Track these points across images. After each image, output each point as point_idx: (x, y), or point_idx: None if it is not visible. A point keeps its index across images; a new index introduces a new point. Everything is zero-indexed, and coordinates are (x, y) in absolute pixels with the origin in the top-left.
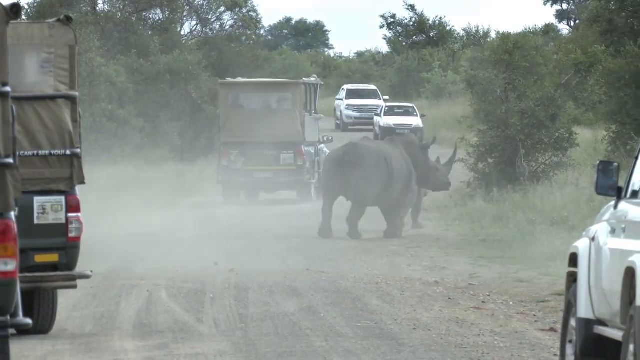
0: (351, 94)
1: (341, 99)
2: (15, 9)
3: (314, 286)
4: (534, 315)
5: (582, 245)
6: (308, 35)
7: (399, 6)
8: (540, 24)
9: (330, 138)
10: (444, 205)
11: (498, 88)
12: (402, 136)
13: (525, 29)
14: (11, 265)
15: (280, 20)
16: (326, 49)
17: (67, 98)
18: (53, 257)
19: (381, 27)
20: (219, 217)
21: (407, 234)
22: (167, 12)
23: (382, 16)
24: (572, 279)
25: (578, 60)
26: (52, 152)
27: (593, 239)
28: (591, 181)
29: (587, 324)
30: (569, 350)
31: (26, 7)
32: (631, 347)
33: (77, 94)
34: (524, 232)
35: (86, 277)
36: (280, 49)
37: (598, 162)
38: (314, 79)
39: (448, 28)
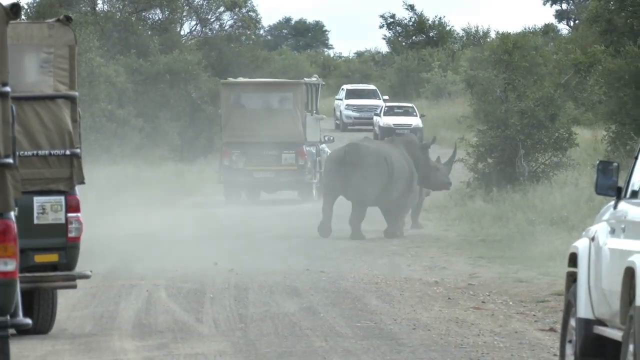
0: (351, 94)
1: (341, 99)
2: (15, 9)
3: (313, 286)
4: (534, 315)
5: (581, 245)
6: (307, 35)
7: (398, 6)
8: (539, 23)
9: (332, 138)
10: (444, 205)
11: (498, 88)
12: (402, 136)
13: (525, 28)
14: (11, 265)
15: (279, 20)
16: (326, 49)
17: (66, 98)
18: (53, 257)
19: (381, 27)
20: (219, 217)
21: (407, 234)
22: (167, 12)
23: (382, 16)
24: (572, 279)
25: (577, 60)
26: (52, 152)
27: (593, 239)
28: (591, 181)
29: (586, 324)
30: (569, 350)
31: (26, 7)
32: (631, 347)
33: (76, 94)
34: (523, 232)
35: (86, 277)
36: (280, 49)
37: (598, 162)
38: (315, 79)
39: (447, 28)
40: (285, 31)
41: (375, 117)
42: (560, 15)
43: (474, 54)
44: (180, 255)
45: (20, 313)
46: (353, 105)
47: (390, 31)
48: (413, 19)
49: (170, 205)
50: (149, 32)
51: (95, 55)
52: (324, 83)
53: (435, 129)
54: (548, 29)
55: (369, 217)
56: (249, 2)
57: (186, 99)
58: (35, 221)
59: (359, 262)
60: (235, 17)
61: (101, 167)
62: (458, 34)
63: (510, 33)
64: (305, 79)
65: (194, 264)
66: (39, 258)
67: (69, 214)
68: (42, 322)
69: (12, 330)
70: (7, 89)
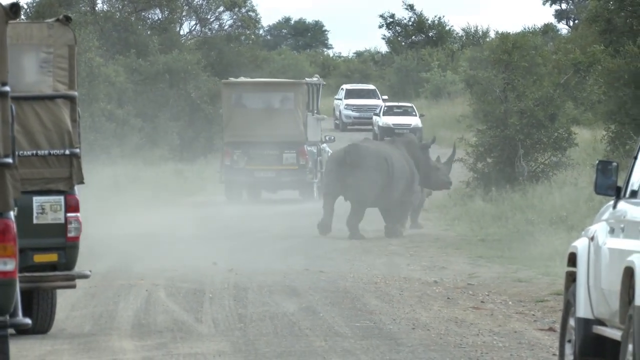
0: (350, 94)
1: (340, 99)
2: (15, 9)
3: (313, 286)
4: (533, 315)
5: (581, 245)
6: (307, 35)
7: (398, 6)
8: (539, 23)
9: (333, 138)
10: (443, 205)
11: (497, 88)
12: (403, 137)
13: (524, 28)
14: (10, 265)
15: (279, 20)
16: (325, 49)
17: (66, 98)
18: (52, 257)
19: (380, 26)
20: (218, 217)
21: (406, 233)
22: (166, 12)
23: (381, 16)
24: (571, 278)
25: (577, 60)
26: (51, 152)
27: (592, 238)
28: (590, 181)
29: (586, 324)
30: (568, 350)
31: (25, 6)
32: (630, 347)
33: (76, 93)
34: (523, 231)
35: (85, 276)
36: (279, 49)
37: (597, 162)
38: (316, 79)
39: (447, 28)
40: (285, 31)
41: (374, 117)
42: (559, 15)
43: (474, 54)
44: (179, 255)
45: (20, 313)
46: (352, 105)
47: (389, 31)
48: (412, 19)
49: (170, 205)
50: (149, 32)
51: (94, 55)
52: (324, 83)
53: (435, 128)
54: (547, 29)
55: (368, 217)
56: (249, 1)
57: (185, 99)
58: (35, 221)
59: (358, 262)
60: (234, 16)
61: (101, 167)
62: (457, 33)
63: (509, 33)
64: (307, 79)
65: (193, 264)
66: (38, 258)
67: (69, 214)
68: (41, 322)
69: (11, 330)
70: (7, 88)
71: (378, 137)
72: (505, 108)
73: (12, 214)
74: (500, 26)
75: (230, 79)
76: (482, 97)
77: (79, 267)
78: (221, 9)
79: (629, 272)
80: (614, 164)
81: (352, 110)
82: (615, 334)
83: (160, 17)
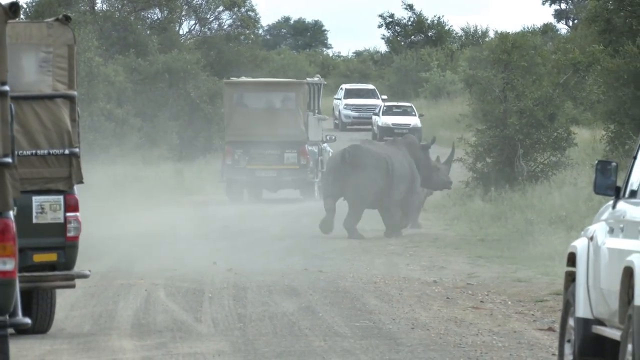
0: (349, 94)
1: (339, 99)
2: (14, 8)
3: (312, 286)
4: (533, 314)
5: (580, 245)
6: (306, 35)
7: (397, 6)
8: (538, 23)
9: (334, 137)
10: (443, 204)
11: (496, 88)
12: (404, 137)
13: (524, 28)
14: (10, 265)
15: (278, 20)
16: (325, 49)
17: (65, 97)
18: (51, 257)
19: (379, 26)
20: (218, 216)
21: (405, 233)
22: (166, 12)
23: (381, 16)
24: (571, 278)
25: (576, 60)
26: (51, 151)
27: (591, 238)
28: (589, 181)
29: (585, 324)
30: (568, 349)
31: (25, 6)
32: (629, 347)
33: (75, 93)
34: (522, 231)
35: (84, 276)
36: (279, 49)
37: (596, 162)
38: (317, 78)
39: (446, 28)
40: (284, 31)
41: (374, 117)
42: (559, 15)
43: (473, 54)
44: (179, 254)
45: (20, 312)
46: (352, 105)
47: (389, 31)
48: (412, 19)
49: (169, 204)
50: (148, 32)
51: (94, 55)
52: (325, 83)
53: (434, 128)
54: (547, 29)
55: (368, 217)
56: (248, 1)
57: (185, 99)
58: (34, 220)
59: (358, 262)
60: (234, 16)
61: (100, 167)
62: (457, 33)
63: (509, 33)
64: (308, 78)
65: (192, 264)
66: (38, 257)
67: (68, 214)
68: (40, 322)
69: (10, 330)
70: (6, 88)
71: (377, 137)
72: (504, 108)
73: (11, 213)
74: (500, 26)
75: (232, 78)
76: (481, 97)
77: (79, 266)
78: (220, 8)
79: (628, 272)
80: (613, 163)
81: (352, 110)
82: (614, 333)
83: (159, 16)
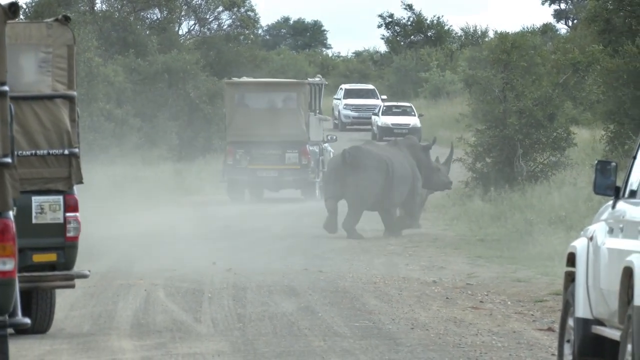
0: (349, 94)
1: (339, 99)
2: (13, 9)
3: (312, 286)
4: (532, 315)
5: (580, 245)
6: (306, 35)
7: (396, 6)
8: (538, 23)
9: (335, 137)
10: (442, 204)
11: (496, 88)
12: (405, 139)
13: (523, 28)
14: (10, 265)
15: (278, 20)
16: (324, 49)
17: (65, 98)
18: (51, 257)
19: (379, 26)
20: (218, 216)
21: (405, 233)
22: (165, 12)
23: (380, 16)
24: (570, 278)
25: (576, 60)
26: (50, 151)
27: (591, 238)
28: (589, 181)
29: (585, 324)
30: (567, 350)
31: (24, 6)
32: (629, 347)
33: (75, 93)
34: (522, 231)
35: (84, 276)
36: (278, 49)
37: (596, 162)
38: (319, 79)
39: (446, 28)
40: (284, 31)
41: (373, 117)
42: (558, 15)
43: (473, 54)
44: (178, 254)
45: (19, 312)
46: (351, 105)
47: (388, 31)
48: (411, 19)
49: (169, 204)
50: (148, 32)
51: (93, 55)
52: (327, 83)
53: (434, 128)
54: (546, 29)
55: (368, 217)
56: (248, 1)
57: (184, 99)
58: (34, 221)
59: (357, 262)
60: (233, 16)
61: (99, 167)
62: (456, 33)
63: (508, 33)
64: (309, 79)
65: (192, 264)
66: (37, 258)
67: (68, 214)
68: (40, 322)
69: (10, 330)
70: (6, 88)
71: (377, 137)
72: (504, 108)
73: (11, 213)
74: (499, 26)
75: (234, 78)
76: (481, 96)
77: (78, 266)
78: (220, 8)
79: (627, 272)
80: (613, 163)
81: (351, 110)
82: (614, 334)
83: (159, 16)
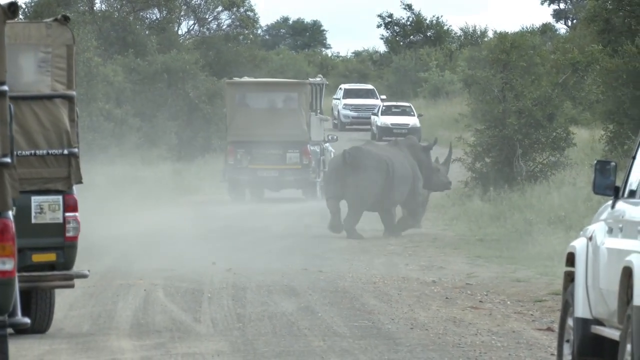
0: (348, 94)
1: (338, 99)
2: (13, 8)
3: (311, 286)
4: (532, 314)
5: (579, 245)
6: (305, 35)
7: (396, 6)
8: (537, 23)
9: (335, 137)
10: (442, 204)
11: (495, 87)
12: (405, 139)
13: (523, 28)
14: (9, 265)
15: (277, 20)
16: (323, 49)
17: (64, 97)
18: (50, 257)
19: (378, 26)
20: (217, 216)
21: (405, 233)
22: (165, 12)
23: (380, 16)
24: (570, 278)
25: (575, 60)
26: (50, 151)
27: (590, 238)
28: (588, 181)
29: (584, 324)
30: (566, 349)
31: (23, 6)
32: (628, 347)
33: (74, 93)
34: (521, 231)
35: (83, 276)
36: (278, 49)
37: (595, 162)
38: (320, 79)
39: (445, 27)
40: (283, 31)
41: (372, 117)
42: (558, 15)
43: (472, 54)
44: (178, 254)
45: (19, 312)
46: (351, 105)
47: (387, 31)
48: (411, 19)
49: (168, 204)
50: (147, 32)
51: (93, 55)
52: (327, 83)
53: (433, 128)
54: (546, 29)
55: (368, 217)
56: (247, 1)
57: (184, 99)
58: (33, 220)
59: (357, 262)
60: (233, 16)
61: (99, 167)
62: (456, 33)
63: (508, 32)
64: (310, 79)
65: (191, 264)
66: (37, 257)
67: (67, 214)
68: (39, 322)
69: (9, 330)
70: (5, 88)
71: (376, 137)
72: (503, 108)
73: (10, 213)
74: (499, 26)
75: (235, 78)
76: (480, 96)
77: (78, 266)
78: (219, 8)
79: (627, 272)
80: (612, 163)
81: (351, 110)
82: (613, 333)
83: (158, 16)
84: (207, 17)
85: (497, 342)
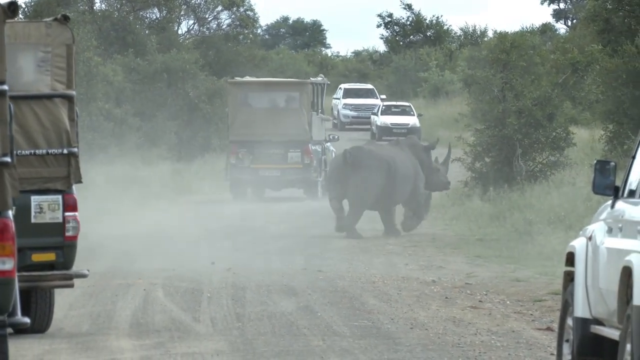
0: (348, 93)
1: (338, 98)
2: (13, 8)
3: (311, 285)
4: (531, 314)
5: (579, 245)
6: (305, 35)
7: (396, 5)
8: (537, 23)
9: (337, 137)
10: (441, 204)
11: (495, 87)
12: (406, 138)
13: (523, 28)
14: (9, 264)
15: (277, 20)
16: (323, 48)
17: (64, 97)
18: (50, 256)
19: (378, 26)
20: (217, 216)
21: (404, 233)
22: (164, 11)
23: (379, 15)
24: (569, 278)
25: (575, 60)
26: (49, 151)
27: (590, 238)
28: (588, 180)
29: (584, 323)
30: (566, 349)
31: (23, 6)
32: (628, 347)
33: (74, 93)
34: (521, 231)
35: (83, 276)
36: (278, 48)
37: (595, 162)
38: (321, 78)
39: (445, 27)
40: (283, 30)
41: (372, 117)
42: (557, 15)
43: (472, 54)
44: (177, 254)
45: (19, 312)
46: (350, 105)
47: (387, 30)
48: (410, 19)
49: (168, 204)
50: (147, 31)
51: (92, 54)
52: (329, 83)
53: (433, 128)
54: (545, 29)
55: (368, 217)
56: (247, 1)
57: (184, 98)
58: (33, 220)
59: (356, 262)
60: (233, 16)
61: (98, 166)
62: (456, 33)
63: (507, 32)
64: (312, 78)
65: (191, 263)
66: (37, 257)
67: (66, 213)
68: (39, 321)
69: (9, 329)
70: (5, 87)
71: (376, 137)
72: (503, 108)
73: (10, 213)
74: (499, 26)
75: (236, 78)
76: (480, 96)
77: (77, 266)
78: (219, 8)
79: (627, 272)
80: (612, 163)
81: (350, 110)
82: (613, 333)
83: (158, 16)
84: (207, 16)
85: (497, 342)
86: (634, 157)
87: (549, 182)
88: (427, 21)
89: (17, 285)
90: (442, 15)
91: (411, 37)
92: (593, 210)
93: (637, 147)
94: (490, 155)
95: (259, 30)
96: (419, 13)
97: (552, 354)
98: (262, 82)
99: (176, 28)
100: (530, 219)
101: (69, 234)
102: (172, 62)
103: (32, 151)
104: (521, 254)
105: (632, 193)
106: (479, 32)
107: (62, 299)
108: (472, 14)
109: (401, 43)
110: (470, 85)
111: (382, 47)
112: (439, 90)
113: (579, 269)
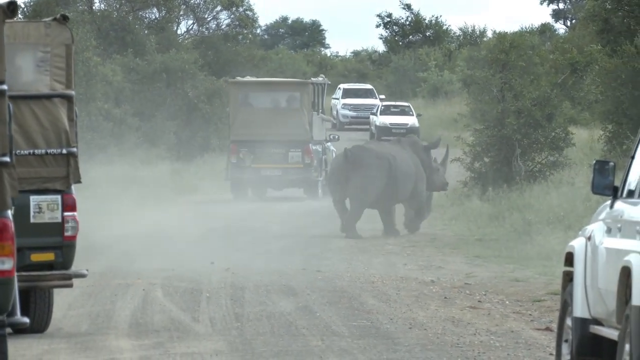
0: (347, 93)
1: (337, 98)
2: (12, 8)
3: (310, 285)
4: (530, 314)
5: (578, 245)
6: (304, 35)
7: (395, 5)
8: (536, 23)
9: (337, 137)
10: (440, 204)
11: (494, 87)
12: (407, 138)
13: (522, 28)
14: (8, 264)
15: (276, 20)
16: (322, 48)
17: (63, 97)
18: (49, 256)
19: (377, 26)
20: (217, 216)
21: (403, 233)
22: (164, 11)
23: (379, 15)
24: (568, 278)
25: (574, 60)
26: (49, 151)
27: (589, 238)
28: (587, 180)
29: (583, 323)
30: (565, 349)
31: (22, 6)
32: (627, 347)
33: (73, 93)
34: (520, 231)
35: (82, 276)
36: (277, 48)
37: (594, 162)
38: (322, 78)
39: (444, 27)
40: (282, 30)
41: (371, 117)
42: (557, 15)
43: (471, 54)
44: (176, 254)
45: (18, 312)
46: (350, 105)
47: (387, 30)
48: (410, 19)
49: (167, 204)
50: (146, 31)
51: (92, 54)
52: (329, 83)
53: (432, 128)
54: (545, 29)
55: (367, 217)
56: (246, 1)
57: (183, 98)
58: (32, 220)
59: (355, 262)
60: (232, 16)
61: (98, 166)
62: (455, 33)
63: (507, 32)
64: (312, 78)
65: (190, 263)
66: (36, 257)
67: (65, 213)
68: (38, 321)
69: (8, 329)
70: (4, 87)
71: (375, 137)
72: (502, 108)
73: (9, 213)
74: (498, 26)
75: (237, 78)
76: (479, 96)
77: (76, 266)
78: (218, 8)
79: (626, 272)
80: (611, 163)
81: (350, 110)
82: (612, 333)
83: (157, 16)
84: (206, 16)
85: (496, 342)
86: (633, 157)
87: (548, 182)
88: (427, 21)
89: (16, 285)
90: (441, 16)
91: (410, 37)
92: (592, 210)
93: (636, 147)
94: (489, 155)
95: (258, 30)
96: (418, 13)
97: (551, 354)
98: (263, 82)
99: (175, 28)
100: (530, 219)
101: (68, 233)
102: (171, 62)
103: (31, 151)
104: (520, 254)
105: (631, 193)
106: (478, 32)
107: (61, 298)
108: (472, 14)
109: (400, 43)
110: (469, 86)
111: (381, 47)
112: (438, 91)
113: (578, 269)
